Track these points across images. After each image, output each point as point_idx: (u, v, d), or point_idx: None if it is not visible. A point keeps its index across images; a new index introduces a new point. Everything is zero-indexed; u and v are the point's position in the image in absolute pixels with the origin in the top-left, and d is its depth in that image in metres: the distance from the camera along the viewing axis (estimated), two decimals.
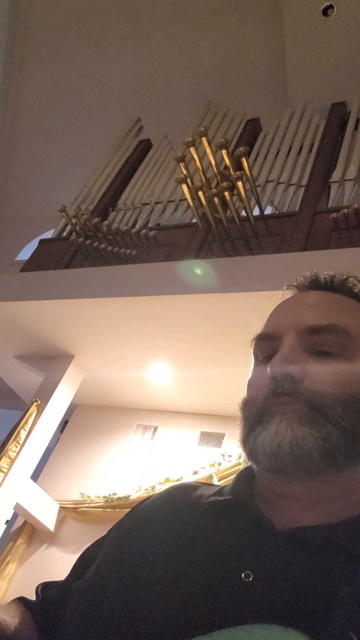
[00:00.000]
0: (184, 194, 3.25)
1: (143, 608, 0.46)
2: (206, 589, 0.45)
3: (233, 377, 3.14)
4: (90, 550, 0.62)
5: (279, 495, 0.52)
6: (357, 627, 0.37)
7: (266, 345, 0.58)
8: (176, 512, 0.56)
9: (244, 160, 2.91)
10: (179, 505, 0.58)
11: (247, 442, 0.53)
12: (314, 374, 0.52)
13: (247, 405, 0.56)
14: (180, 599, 0.45)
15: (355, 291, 0.60)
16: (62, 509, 3.57)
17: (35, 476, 3.46)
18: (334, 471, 0.49)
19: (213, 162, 3.03)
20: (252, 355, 0.61)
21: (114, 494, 3.46)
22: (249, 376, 0.60)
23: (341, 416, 0.49)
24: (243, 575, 0.45)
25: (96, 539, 0.64)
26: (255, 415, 0.53)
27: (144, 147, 5.09)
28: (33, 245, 5.29)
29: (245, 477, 0.58)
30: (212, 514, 0.54)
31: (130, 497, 3.37)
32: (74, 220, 3.74)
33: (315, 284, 0.61)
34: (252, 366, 0.61)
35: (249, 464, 0.57)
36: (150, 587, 0.47)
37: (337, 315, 0.56)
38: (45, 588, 0.62)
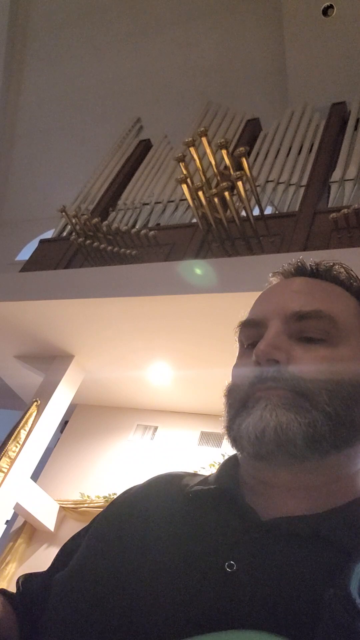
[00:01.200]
0: (184, 194, 3.25)
1: (124, 599, 0.45)
2: (189, 580, 0.44)
3: None
4: (71, 542, 0.62)
5: (263, 483, 0.52)
6: (344, 633, 0.36)
7: (251, 332, 0.58)
8: (160, 501, 0.56)
9: (244, 160, 2.91)
10: (163, 495, 0.57)
11: (232, 428, 0.52)
12: (299, 360, 0.51)
13: (231, 391, 0.55)
14: (162, 591, 0.44)
15: (341, 278, 0.59)
16: (62, 509, 3.57)
17: (35, 476, 3.46)
18: (318, 457, 0.48)
19: (213, 162, 3.03)
20: (238, 342, 0.61)
21: (114, 494, 3.46)
22: (235, 363, 0.59)
23: (326, 402, 0.48)
24: (226, 565, 0.44)
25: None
26: (240, 401, 0.52)
27: (144, 147, 5.09)
28: (33, 245, 5.29)
29: (229, 466, 0.58)
30: (196, 503, 0.53)
31: None
32: (74, 220, 3.74)
33: (300, 271, 0.61)
34: (237, 353, 0.60)
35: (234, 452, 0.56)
36: (132, 578, 0.47)
37: (323, 302, 0.55)
38: (26, 580, 0.62)
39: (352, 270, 0.61)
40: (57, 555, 0.61)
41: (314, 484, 0.50)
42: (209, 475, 0.60)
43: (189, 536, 0.49)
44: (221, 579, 0.43)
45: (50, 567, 0.60)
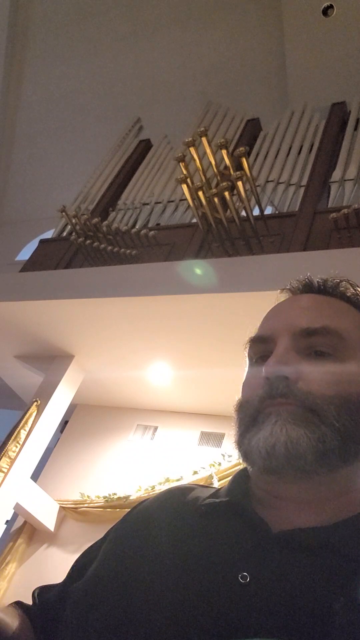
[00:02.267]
0: (184, 194, 3.25)
1: (142, 609, 0.46)
2: (204, 591, 0.45)
3: (233, 377, 3.13)
4: (87, 553, 0.63)
5: (274, 496, 0.53)
6: None
7: (260, 348, 0.59)
8: (174, 514, 0.57)
9: (244, 160, 2.91)
10: (177, 508, 0.58)
11: (242, 443, 0.53)
12: (308, 375, 0.52)
13: (242, 406, 0.56)
14: (178, 601, 0.45)
15: (348, 295, 0.61)
16: (62, 509, 3.57)
17: (35, 476, 3.46)
18: (328, 471, 0.49)
19: (213, 162, 3.03)
20: (247, 357, 0.62)
21: (114, 494, 3.46)
22: (244, 378, 0.60)
23: (335, 417, 0.50)
24: (240, 577, 0.45)
25: (94, 541, 0.64)
26: (250, 416, 0.53)
27: (144, 147, 5.09)
28: (33, 245, 5.29)
29: (240, 479, 0.59)
30: (209, 516, 0.54)
31: (130, 497, 3.37)
32: (74, 220, 3.74)
33: (308, 287, 0.63)
34: (246, 368, 0.62)
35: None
36: (149, 589, 0.47)
37: (331, 318, 0.57)
38: (42, 592, 0.63)
39: (358, 287, 0.63)
40: (72, 567, 0.62)
41: (323, 497, 0.51)
42: (220, 488, 0.61)
43: (202, 548, 0.50)
44: (235, 590, 0.44)
45: (65, 579, 0.61)
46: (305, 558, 0.46)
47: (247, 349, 0.62)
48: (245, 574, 0.45)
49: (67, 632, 0.50)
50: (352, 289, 0.61)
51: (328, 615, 0.40)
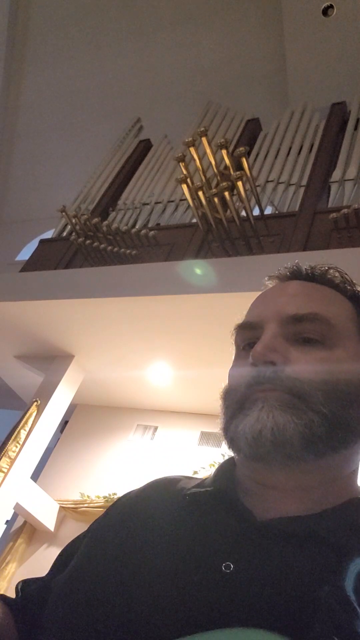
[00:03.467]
0: (184, 194, 3.25)
1: (124, 600, 0.45)
2: (187, 581, 0.44)
3: None
4: (70, 546, 0.62)
5: (260, 484, 0.52)
6: (340, 630, 0.37)
7: (248, 334, 0.58)
8: (159, 504, 0.56)
9: (244, 160, 2.91)
10: (161, 498, 0.57)
11: (228, 430, 0.53)
12: (295, 362, 0.52)
13: (228, 393, 0.56)
14: (161, 591, 0.45)
15: (336, 282, 0.60)
16: (62, 509, 3.57)
17: (35, 476, 3.46)
18: (315, 458, 0.49)
19: (213, 162, 3.03)
20: (234, 345, 0.61)
21: (114, 494, 3.46)
22: (232, 364, 0.60)
23: (322, 403, 0.49)
24: (223, 566, 0.44)
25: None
26: (237, 402, 0.53)
27: (144, 147, 5.09)
28: (33, 245, 5.29)
29: (226, 468, 0.58)
30: (193, 506, 0.54)
31: None
32: (74, 220, 3.74)
33: (296, 274, 0.62)
34: (234, 355, 0.61)
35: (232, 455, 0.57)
36: (132, 580, 0.47)
37: (319, 305, 0.56)
38: (25, 585, 0.62)
39: (346, 274, 0.62)
40: (56, 559, 0.62)
41: (309, 485, 0.50)
42: (206, 478, 0.60)
43: (186, 538, 0.49)
44: (218, 580, 0.44)
45: (49, 572, 0.61)
46: (291, 547, 0.45)
47: (233, 336, 0.61)
48: (229, 563, 0.44)
49: (50, 624, 0.50)
50: (340, 277, 0.61)
51: (313, 604, 0.40)
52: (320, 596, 0.40)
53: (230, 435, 0.52)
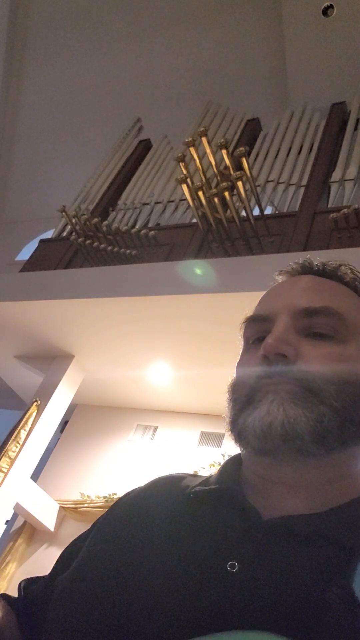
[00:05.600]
0: (184, 194, 3.25)
1: (129, 599, 0.45)
2: (192, 580, 0.44)
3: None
4: (73, 544, 0.62)
5: (265, 480, 0.51)
6: (347, 632, 0.36)
7: (258, 327, 0.58)
8: (163, 502, 0.56)
9: (244, 160, 2.91)
10: (165, 496, 0.57)
11: (236, 423, 0.52)
12: (307, 355, 0.51)
13: (236, 386, 0.55)
14: (166, 590, 0.44)
15: (347, 279, 0.60)
16: (62, 509, 3.57)
17: (35, 476, 3.46)
18: (324, 453, 0.48)
19: (213, 162, 3.03)
20: (243, 338, 0.61)
21: (114, 494, 3.46)
22: (239, 359, 0.59)
23: (334, 397, 0.48)
24: (228, 565, 0.44)
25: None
26: (246, 395, 0.52)
27: (144, 147, 5.09)
28: (33, 245, 5.29)
29: (230, 466, 0.58)
30: (198, 504, 0.53)
31: None
32: (74, 220, 3.74)
33: (307, 269, 0.62)
34: (242, 349, 0.60)
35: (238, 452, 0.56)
36: (137, 578, 0.46)
37: (331, 299, 0.56)
38: (28, 584, 0.61)
39: (358, 271, 0.62)
40: (59, 558, 0.61)
41: (316, 482, 0.50)
42: (210, 476, 0.60)
43: (190, 536, 0.49)
44: (223, 579, 0.43)
45: (51, 571, 0.60)
46: (297, 546, 0.44)
47: (242, 330, 0.60)
48: (234, 562, 0.44)
49: (53, 623, 0.49)
50: (351, 273, 0.61)
51: (320, 605, 0.39)
52: (327, 597, 0.39)
53: (239, 428, 0.51)
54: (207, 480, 0.58)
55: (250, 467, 0.54)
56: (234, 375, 0.57)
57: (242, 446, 0.52)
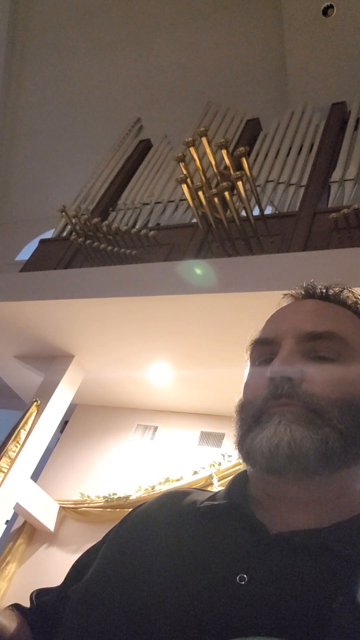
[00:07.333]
0: (184, 194, 3.25)
1: (142, 610, 0.46)
2: (202, 592, 0.45)
3: (233, 377, 3.13)
4: (86, 555, 0.63)
5: (273, 497, 0.53)
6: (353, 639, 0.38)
7: (264, 350, 0.60)
8: (173, 516, 0.57)
9: (244, 160, 2.91)
10: (175, 510, 0.58)
11: (244, 442, 0.54)
12: (312, 377, 0.53)
13: (244, 407, 0.57)
14: (177, 602, 0.45)
15: (349, 303, 0.63)
16: (62, 509, 3.57)
17: (35, 476, 3.46)
18: (329, 472, 0.50)
19: (213, 162, 3.03)
20: (249, 359, 0.63)
21: (114, 494, 3.46)
22: (246, 379, 0.61)
23: (338, 419, 0.51)
24: (238, 578, 0.45)
25: (95, 541, 0.65)
26: (253, 416, 0.54)
27: (144, 147, 5.09)
28: (33, 245, 5.29)
29: (239, 482, 0.60)
30: (207, 519, 0.55)
31: (130, 497, 3.37)
32: (74, 220, 3.74)
33: (311, 294, 0.65)
34: (247, 370, 0.63)
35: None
36: (149, 590, 0.48)
37: (335, 323, 0.58)
38: (40, 594, 0.63)
39: (358, 296, 0.65)
40: (71, 569, 0.63)
41: (322, 498, 0.52)
42: (218, 492, 0.62)
43: (200, 550, 0.50)
44: (233, 591, 0.45)
45: (64, 582, 0.62)
46: (303, 559, 0.46)
47: (249, 351, 0.63)
48: (243, 575, 0.45)
49: (67, 633, 0.51)
50: (352, 297, 0.64)
51: (327, 616, 0.41)
52: (333, 608, 0.41)
53: (246, 448, 0.53)
54: (215, 496, 0.60)
55: (257, 484, 0.56)
56: (241, 395, 0.59)
57: (250, 464, 0.54)
